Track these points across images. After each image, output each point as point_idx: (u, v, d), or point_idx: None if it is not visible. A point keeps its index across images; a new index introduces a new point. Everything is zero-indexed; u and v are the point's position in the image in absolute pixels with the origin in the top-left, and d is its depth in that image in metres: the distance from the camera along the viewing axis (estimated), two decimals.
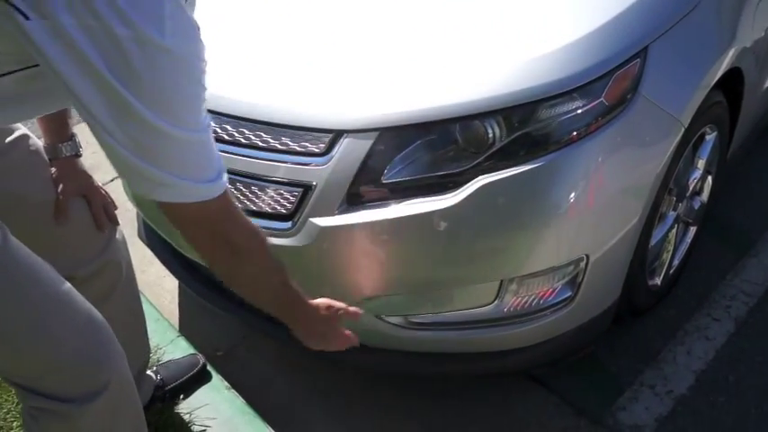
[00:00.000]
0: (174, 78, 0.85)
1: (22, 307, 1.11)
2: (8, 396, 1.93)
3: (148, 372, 1.84)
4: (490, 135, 1.48)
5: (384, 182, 1.50)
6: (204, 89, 0.91)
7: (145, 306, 1.79)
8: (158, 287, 2.37)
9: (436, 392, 1.93)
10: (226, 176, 0.98)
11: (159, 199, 0.93)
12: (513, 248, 1.50)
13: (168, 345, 2.07)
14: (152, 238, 2.10)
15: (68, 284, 1.17)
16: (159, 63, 0.82)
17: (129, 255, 1.63)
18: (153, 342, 1.94)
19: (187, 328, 2.26)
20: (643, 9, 1.61)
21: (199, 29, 0.88)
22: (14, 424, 1.84)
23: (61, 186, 1.41)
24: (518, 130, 1.48)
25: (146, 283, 2.35)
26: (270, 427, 1.78)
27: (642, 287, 1.93)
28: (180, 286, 2.36)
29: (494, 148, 1.48)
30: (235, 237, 1.03)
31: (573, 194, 1.49)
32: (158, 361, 1.97)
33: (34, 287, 1.12)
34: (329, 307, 1.28)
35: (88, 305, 1.19)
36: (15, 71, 0.97)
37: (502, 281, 1.53)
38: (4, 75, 0.97)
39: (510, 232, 1.48)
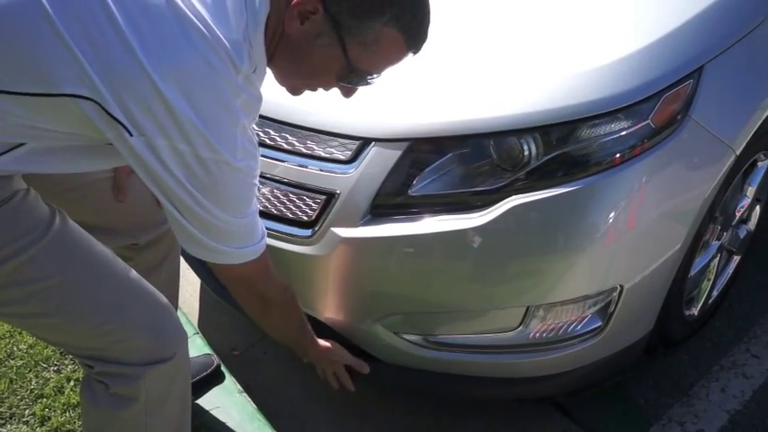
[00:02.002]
0: (237, 186, 1.06)
1: (88, 283, 1.18)
2: (23, 382, 1.92)
3: None
4: (526, 153, 1.40)
5: (411, 195, 1.43)
6: (256, 186, 1.12)
7: None
8: (182, 279, 2.33)
9: (453, 412, 1.86)
10: (264, 240, 1.18)
11: (211, 261, 1.13)
12: (542, 274, 1.42)
13: None
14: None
15: (126, 265, 1.26)
16: (229, 177, 1.03)
17: None
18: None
19: (206, 323, 2.23)
20: (700, 26, 1.52)
21: (258, 148, 1.10)
22: (26, 411, 1.83)
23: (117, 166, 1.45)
24: (556, 150, 1.40)
25: None
26: None
27: (678, 317, 1.84)
28: None
29: (529, 167, 1.40)
30: (268, 292, 1.27)
31: (610, 221, 1.40)
32: None
33: (99, 265, 1.20)
34: (329, 349, 1.56)
35: (148, 284, 1.28)
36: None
37: (528, 307, 1.45)
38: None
39: (541, 257, 1.40)
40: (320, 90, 1.17)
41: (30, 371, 1.95)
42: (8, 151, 1.04)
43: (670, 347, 1.97)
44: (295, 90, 1.18)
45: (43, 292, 1.14)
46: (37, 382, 1.92)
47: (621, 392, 1.89)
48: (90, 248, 1.20)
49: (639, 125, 1.42)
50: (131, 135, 0.95)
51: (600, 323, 1.53)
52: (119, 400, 1.22)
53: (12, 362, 1.99)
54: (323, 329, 1.61)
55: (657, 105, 1.43)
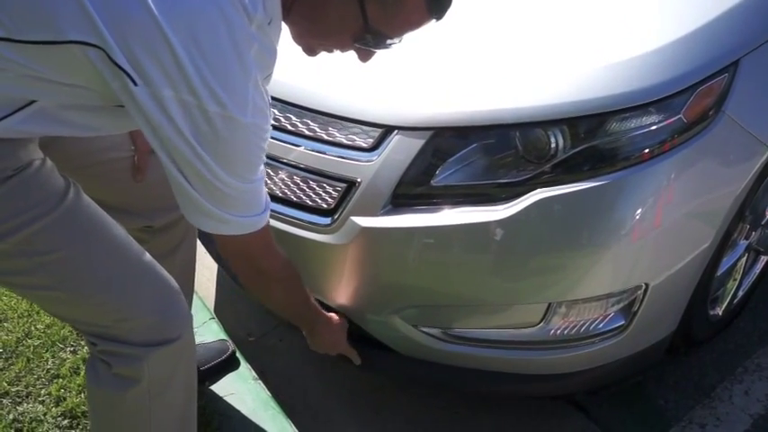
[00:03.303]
0: (245, 146, 1.02)
1: (98, 258, 1.16)
2: (39, 362, 1.92)
3: None
4: (553, 145, 1.36)
5: (434, 185, 1.40)
6: (265, 151, 1.07)
7: None
8: (198, 263, 2.31)
9: (469, 406, 1.84)
10: (269, 212, 1.14)
11: (212, 231, 1.09)
12: (566, 270, 1.38)
13: (200, 327, 2.02)
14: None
15: (138, 245, 1.24)
16: (237, 134, 0.98)
17: None
18: None
19: (222, 307, 2.22)
20: (737, 18, 1.46)
21: (270, 105, 1.05)
22: (42, 391, 1.83)
23: (137, 144, 1.43)
24: (584, 143, 1.36)
25: None
26: (293, 425, 1.72)
27: (702, 317, 1.79)
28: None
29: (556, 160, 1.36)
30: (269, 268, 1.23)
31: (637, 218, 1.36)
32: None
33: (109, 242, 1.19)
34: (339, 322, 1.55)
35: (159, 265, 1.25)
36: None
37: (550, 303, 1.42)
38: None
39: (564, 253, 1.37)
40: (336, 53, 1.12)
41: (47, 351, 1.96)
42: (19, 110, 1.02)
43: (692, 348, 1.92)
44: (310, 50, 1.12)
45: (51, 265, 1.12)
46: (53, 363, 1.92)
47: (641, 392, 1.86)
48: (102, 225, 1.18)
49: (671, 120, 1.38)
50: (136, 85, 0.91)
51: (623, 322, 1.49)
52: (121, 380, 1.21)
53: (29, 341, 1.99)
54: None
55: (690, 99, 1.38)
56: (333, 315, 1.55)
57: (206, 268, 2.36)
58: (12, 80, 0.98)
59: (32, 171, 1.09)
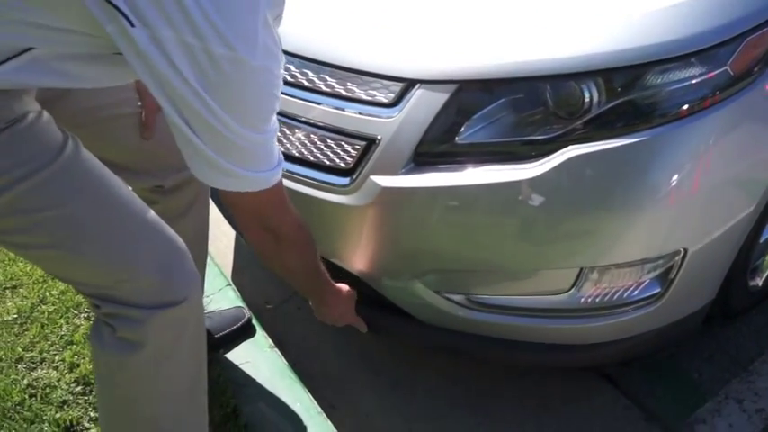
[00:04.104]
0: (255, 92, 0.95)
1: (97, 215, 1.10)
2: (54, 328, 1.89)
3: None
4: (587, 99, 1.27)
5: (458, 142, 1.32)
6: (278, 99, 1.00)
7: None
8: (216, 229, 2.26)
9: (492, 377, 1.77)
10: (282, 167, 1.07)
11: (222, 188, 1.03)
12: (599, 233, 1.30)
13: (216, 293, 1.97)
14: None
15: (143, 203, 1.18)
16: (248, 79, 0.92)
17: None
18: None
19: (240, 274, 2.17)
20: None
21: (281, 47, 0.97)
22: (56, 357, 1.80)
23: (145, 100, 1.37)
24: (620, 97, 1.27)
25: None
26: (309, 394, 1.66)
27: (741, 287, 1.70)
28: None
29: (589, 115, 1.27)
30: (282, 228, 1.16)
31: (676, 177, 1.27)
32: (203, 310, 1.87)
33: (110, 199, 1.12)
34: (348, 291, 1.50)
35: (169, 228, 1.19)
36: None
37: (582, 268, 1.33)
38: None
39: (598, 214, 1.28)
40: None
41: (61, 317, 1.92)
42: (12, 58, 0.96)
43: (729, 319, 1.83)
44: None
45: (49, 223, 1.07)
46: (68, 328, 1.88)
47: (674, 365, 1.77)
48: (102, 181, 1.12)
49: (715, 72, 1.28)
50: (133, 26, 0.84)
51: (659, 289, 1.41)
52: (125, 344, 1.15)
53: (43, 307, 1.96)
54: (356, 285, 1.53)
55: (738, 50, 1.28)
56: (342, 285, 1.49)
57: (224, 235, 2.31)
58: (4, 26, 0.92)
59: (27, 124, 1.03)
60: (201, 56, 0.87)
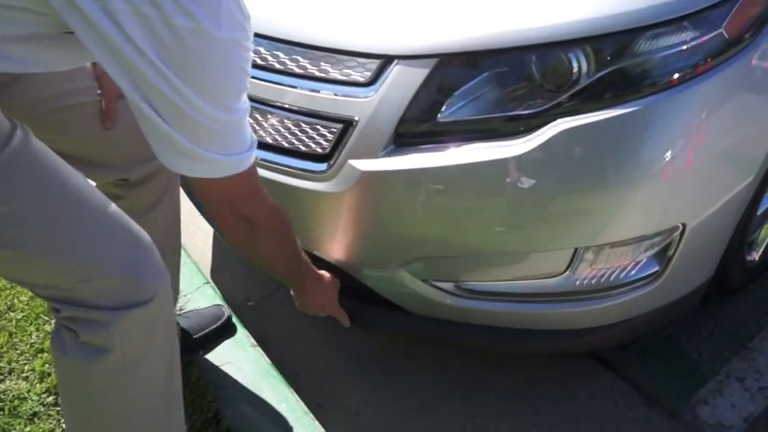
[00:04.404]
0: (221, 66, 0.87)
1: (50, 211, 1.01)
2: (23, 336, 1.79)
3: None
4: (575, 69, 1.19)
5: (440, 121, 1.24)
6: (248, 75, 0.93)
7: None
8: (193, 226, 2.19)
9: (487, 367, 1.70)
10: (255, 150, 1.00)
11: (191, 174, 0.95)
12: (593, 211, 1.22)
13: (194, 292, 1.89)
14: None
15: (104, 197, 1.09)
16: (213, 53, 0.85)
17: None
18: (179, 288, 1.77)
19: (219, 272, 2.09)
20: None
21: (249, 18, 0.90)
22: (26, 367, 1.70)
23: (104, 86, 1.29)
24: (610, 65, 1.20)
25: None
26: (295, 394, 1.58)
27: (738, 262, 1.64)
28: None
29: (578, 86, 1.20)
30: (256, 215, 1.10)
31: (671, 149, 1.20)
32: (180, 309, 1.79)
33: (64, 192, 1.04)
34: (331, 279, 1.43)
35: (133, 222, 1.10)
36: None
37: (576, 249, 1.26)
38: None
39: (591, 191, 1.20)
40: None
41: (30, 324, 1.83)
42: None
43: (726, 296, 1.78)
44: None
45: None
46: (37, 336, 1.79)
47: (672, 345, 1.72)
48: (56, 174, 1.03)
49: (709, 36, 1.21)
50: None
51: (657, 268, 1.34)
52: (90, 350, 1.06)
53: (12, 314, 1.86)
54: (338, 277, 1.45)
55: (733, 12, 1.21)
56: (324, 273, 1.42)
57: (201, 231, 2.22)
58: None
59: None
60: (161, 27, 0.80)
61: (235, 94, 0.92)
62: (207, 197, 1.05)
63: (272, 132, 1.40)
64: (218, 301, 1.84)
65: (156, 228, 1.39)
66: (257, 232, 1.12)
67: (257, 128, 1.42)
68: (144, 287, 1.06)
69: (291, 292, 1.45)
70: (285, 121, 1.38)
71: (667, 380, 1.65)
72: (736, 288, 1.76)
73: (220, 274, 2.07)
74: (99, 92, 1.26)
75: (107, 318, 1.03)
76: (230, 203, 1.06)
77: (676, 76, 1.18)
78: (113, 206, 1.08)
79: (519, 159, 1.18)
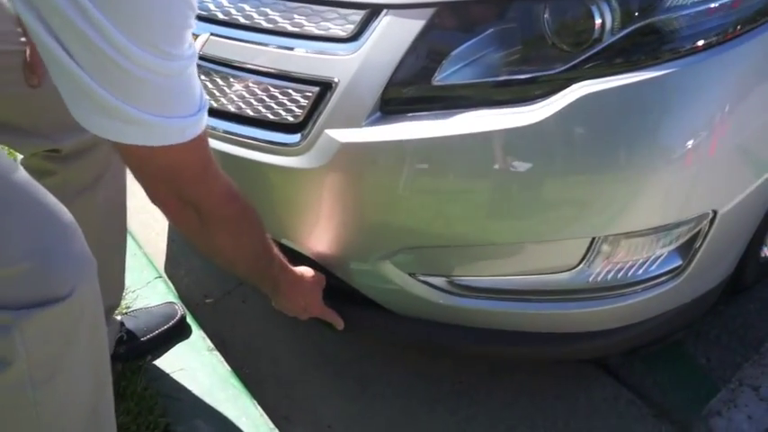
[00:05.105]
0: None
1: None
2: None
3: (116, 316, 1.44)
4: (597, 24, 1.01)
5: (436, 84, 1.05)
6: (194, 10, 0.75)
7: None
8: (147, 215, 1.95)
9: (477, 375, 1.51)
10: (205, 114, 0.81)
11: (116, 139, 0.76)
12: (614, 192, 1.04)
13: (143, 287, 1.66)
14: None
15: (22, 170, 0.88)
16: None
17: None
18: (126, 282, 1.54)
19: (174, 266, 1.86)
20: None
21: None
22: None
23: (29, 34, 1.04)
24: (639, 20, 1.01)
25: (132, 208, 1.94)
26: (258, 407, 1.37)
27: (755, 258, 1.48)
28: None
29: (600, 45, 1.01)
30: (204, 201, 0.89)
31: (709, 122, 1.02)
32: (128, 308, 1.56)
33: None
34: (313, 278, 1.20)
35: (51, 198, 0.89)
36: None
37: (594, 238, 1.08)
38: None
39: (615, 168, 1.02)
40: None
41: None
42: None
43: (731, 295, 1.62)
44: None
45: None
46: None
47: (678, 350, 1.55)
48: None
49: None
50: None
51: (680, 262, 1.17)
52: None
53: None
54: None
55: None
56: (304, 270, 1.20)
57: (157, 222, 1.98)
58: None
59: None
60: None
61: (175, 34, 0.73)
62: (141, 173, 0.85)
63: (236, 99, 1.19)
64: (172, 298, 1.61)
65: (95, 210, 1.18)
66: (209, 223, 0.91)
67: (217, 94, 1.21)
68: (58, 279, 0.83)
69: (266, 292, 1.21)
70: (251, 85, 1.17)
71: (675, 388, 1.48)
72: (747, 286, 1.61)
73: (176, 267, 1.84)
74: (23, 39, 1.03)
75: (9, 319, 0.80)
76: (172, 183, 0.85)
77: (719, 34, 1.00)
78: (20, 174, 0.86)
79: (530, 130, 1.00)
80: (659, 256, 1.15)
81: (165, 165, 0.81)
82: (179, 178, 0.85)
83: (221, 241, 0.96)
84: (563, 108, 0.99)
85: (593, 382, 1.49)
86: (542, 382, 1.50)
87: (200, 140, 0.81)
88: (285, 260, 1.12)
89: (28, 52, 1.04)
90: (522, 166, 1.01)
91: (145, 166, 0.82)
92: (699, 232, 1.13)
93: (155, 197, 0.88)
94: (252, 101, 1.17)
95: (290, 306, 1.21)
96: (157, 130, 0.75)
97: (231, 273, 1.57)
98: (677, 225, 1.09)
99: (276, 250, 1.09)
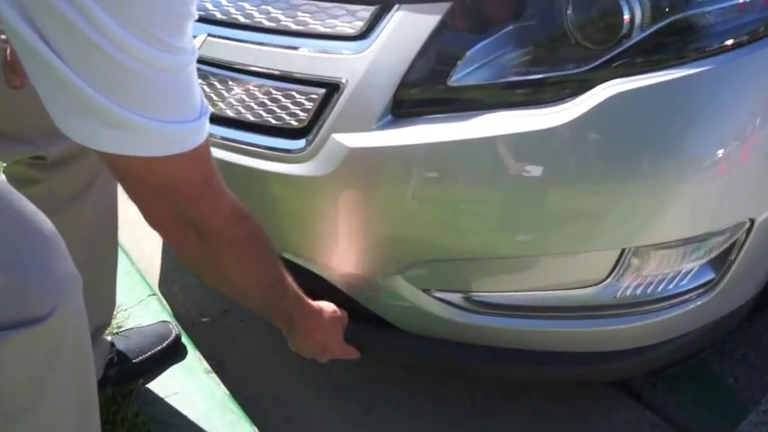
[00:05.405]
0: None
1: None
2: None
3: (106, 337, 1.35)
4: (626, 20, 0.93)
5: (451, 85, 0.98)
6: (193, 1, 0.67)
7: None
8: (140, 231, 1.86)
9: (486, 397, 1.43)
10: (207, 121, 0.72)
11: (101, 147, 0.66)
12: (648, 201, 0.96)
13: (135, 306, 1.57)
14: None
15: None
16: None
17: None
18: (117, 300, 1.45)
19: (168, 283, 1.77)
20: None
21: None
22: None
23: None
24: (669, 16, 0.94)
25: (124, 223, 1.85)
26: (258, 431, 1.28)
27: None
28: None
29: (629, 42, 0.94)
30: (207, 221, 0.78)
31: (749, 123, 0.95)
32: (119, 328, 1.47)
33: None
34: (333, 313, 1.08)
35: (30, 206, 0.81)
36: None
37: (624, 250, 1.00)
38: None
39: (648, 174, 0.94)
40: None
41: None
42: None
43: (757, 311, 1.53)
44: None
45: None
46: None
47: (702, 369, 1.46)
48: None
49: None
50: None
51: (712, 276, 1.09)
52: None
53: None
54: (317, 288, 1.14)
55: None
56: (324, 304, 1.08)
57: (148, 237, 1.90)
58: None
59: None
60: None
61: (173, 22, 0.64)
62: (134, 190, 0.75)
63: (235, 103, 1.11)
64: (166, 316, 1.53)
65: (83, 222, 1.10)
66: (215, 248, 0.80)
67: (215, 98, 1.14)
68: (37, 297, 0.74)
69: (282, 330, 1.09)
70: (251, 88, 1.10)
71: (702, 411, 1.39)
72: None
73: (169, 285, 1.76)
74: (3, 37, 0.95)
75: None
76: (170, 201, 0.75)
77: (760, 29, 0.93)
78: (6, 186, 0.77)
79: (555, 133, 0.92)
80: (691, 270, 1.07)
81: (162, 179, 0.71)
82: (178, 195, 0.74)
83: (230, 268, 0.85)
84: (590, 110, 0.91)
85: (614, 405, 1.41)
86: (559, 404, 1.41)
87: (203, 150, 0.72)
88: (300, 291, 1.00)
89: (8, 50, 0.96)
90: (546, 172, 0.93)
91: (138, 180, 0.72)
92: (735, 243, 1.05)
93: (150, 218, 0.78)
94: (252, 105, 1.10)
95: (307, 345, 1.09)
96: (153, 138, 0.66)
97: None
98: (712, 235, 1.01)
99: (290, 280, 0.97)
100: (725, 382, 1.45)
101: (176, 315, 1.58)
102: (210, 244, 0.80)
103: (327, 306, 1.07)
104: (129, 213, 1.68)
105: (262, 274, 0.91)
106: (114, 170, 0.72)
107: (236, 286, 0.90)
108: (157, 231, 0.80)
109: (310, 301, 1.03)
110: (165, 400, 1.33)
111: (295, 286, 0.98)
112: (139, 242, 1.88)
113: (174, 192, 0.74)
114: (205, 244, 0.80)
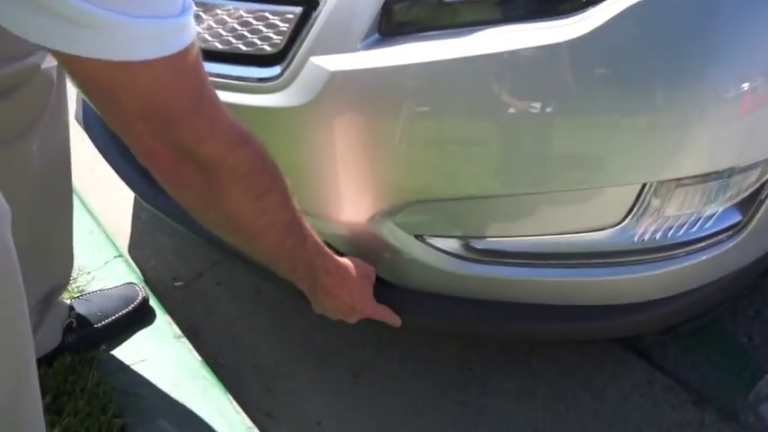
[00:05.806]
0: None
1: None
2: None
3: (65, 299, 1.23)
4: None
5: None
6: None
7: (79, 213, 1.17)
8: (108, 192, 1.73)
9: (487, 358, 1.32)
10: (191, 18, 0.60)
11: (64, 47, 0.54)
12: (674, 126, 0.84)
13: (100, 268, 1.44)
14: (89, 118, 1.45)
15: None
16: None
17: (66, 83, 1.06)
18: (78, 262, 1.33)
19: (138, 245, 1.64)
20: None
21: None
22: None
23: None
24: None
25: (93, 186, 1.72)
26: (233, 401, 1.17)
27: None
28: None
29: None
30: (208, 145, 0.66)
31: None
32: (81, 292, 1.34)
33: None
34: (361, 269, 0.96)
35: None
36: None
37: (644, 185, 0.88)
38: None
39: (674, 96, 0.82)
40: None
41: None
42: None
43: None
44: None
45: None
46: None
47: (715, 327, 1.37)
48: None
49: None
50: None
51: (740, 218, 0.97)
52: None
53: None
54: None
55: None
56: (350, 259, 0.96)
57: (120, 199, 1.76)
58: None
59: None
60: None
61: None
62: (112, 109, 0.62)
63: (201, 32, 0.98)
64: (132, 278, 1.40)
65: (28, 164, 0.97)
66: (218, 178, 0.68)
67: None
68: None
69: (303, 290, 0.96)
70: (219, 12, 0.96)
71: (716, 372, 1.30)
72: None
73: (140, 248, 1.63)
74: None
75: None
76: (156, 122, 0.62)
77: None
78: None
79: (570, 47, 0.79)
80: (715, 212, 0.95)
81: (144, 93, 0.59)
82: (165, 113, 0.62)
83: (236, 203, 0.72)
84: (611, 19, 0.79)
85: (621, 366, 1.31)
86: (562, 367, 1.31)
87: (189, 55, 0.60)
88: (321, 241, 0.87)
89: None
90: (560, 92, 0.81)
91: (114, 98, 0.60)
92: (766, 181, 0.94)
93: (138, 148, 0.65)
94: (221, 31, 0.96)
95: (332, 304, 0.97)
96: (122, 36, 0.54)
97: (214, 252, 1.37)
98: (743, 170, 0.90)
99: (309, 225, 0.84)
100: (739, 341, 1.36)
101: (146, 279, 1.46)
102: (211, 174, 0.68)
103: (353, 259, 0.96)
104: (97, 175, 1.55)
105: (274, 212, 0.77)
106: (84, 86, 0.59)
107: (245, 228, 0.76)
108: (149, 166, 0.67)
109: (333, 254, 0.90)
110: (131, 367, 1.21)
111: (315, 233, 0.86)
112: (107, 205, 1.74)
113: (159, 109, 0.61)
114: (205, 175, 0.68)
